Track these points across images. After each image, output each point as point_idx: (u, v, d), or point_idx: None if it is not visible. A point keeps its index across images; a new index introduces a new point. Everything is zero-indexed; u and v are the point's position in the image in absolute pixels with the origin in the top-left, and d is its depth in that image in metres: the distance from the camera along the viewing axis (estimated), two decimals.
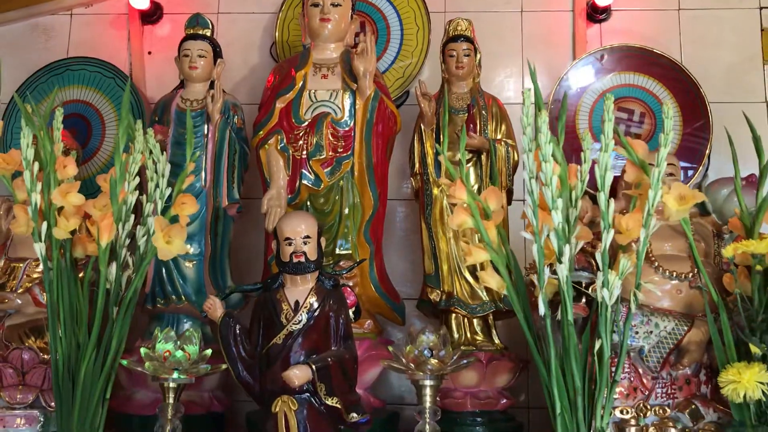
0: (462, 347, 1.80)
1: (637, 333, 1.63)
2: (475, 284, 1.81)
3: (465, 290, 1.82)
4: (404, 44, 2.23)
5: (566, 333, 1.46)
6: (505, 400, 1.78)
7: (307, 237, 1.51)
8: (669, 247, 1.76)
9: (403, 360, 1.58)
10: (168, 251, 1.51)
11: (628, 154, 1.52)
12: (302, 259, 1.49)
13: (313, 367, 1.44)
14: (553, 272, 1.51)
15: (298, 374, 1.43)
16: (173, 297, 1.83)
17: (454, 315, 1.84)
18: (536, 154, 1.45)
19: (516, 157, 1.92)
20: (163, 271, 1.84)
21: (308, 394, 1.46)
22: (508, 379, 1.79)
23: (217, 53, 1.99)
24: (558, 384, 1.45)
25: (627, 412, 1.65)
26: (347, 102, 1.83)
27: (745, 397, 1.41)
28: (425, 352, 1.58)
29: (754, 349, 1.44)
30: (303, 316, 1.48)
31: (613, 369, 1.70)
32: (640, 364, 1.66)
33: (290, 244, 1.50)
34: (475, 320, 1.83)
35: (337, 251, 1.78)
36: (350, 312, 1.57)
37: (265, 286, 1.55)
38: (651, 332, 1.63)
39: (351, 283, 1.77)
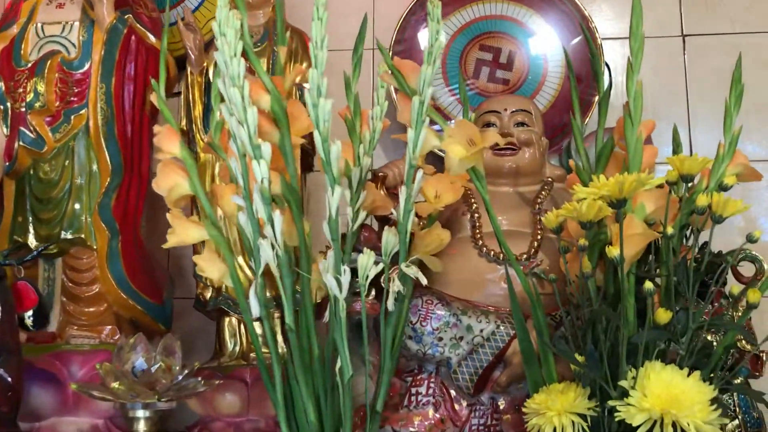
0: (232, 362, 1.34)
1: (440, 339, 1.16)
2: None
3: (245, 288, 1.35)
4: None
5: (299, 345, 1.00)
6: None
7: None
8: (506, 220, 1.28)
9: (106, 383, 1.13)
10: None
11: (395, 80, 1.05)
12: None
13: None
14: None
15: None
16: None
17: (228, 318, 1.38)
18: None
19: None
20: None
21: None
22: None
23: None
24: (290, 417, 0.99)
25: None
26: (84, 36, 1.38)
27: None
28: (135, 371, 1.13)
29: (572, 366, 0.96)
30: None
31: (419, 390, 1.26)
32: (451, 383, 1.19)
33: None
34: (255, 324, 1.37)
35: (64, 235, 1.33)
36: (28, 315, 1.13)
37: None
38: (461, 338, 1.15)
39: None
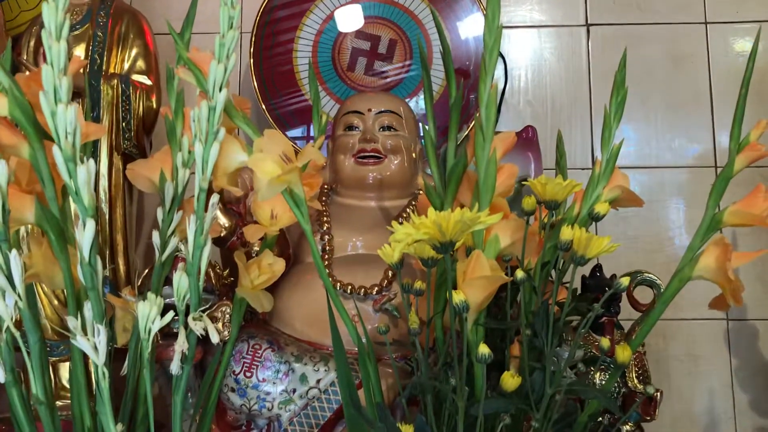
0: None
1: (268, 394, 0.96)
2: (61, 308, 1.12)
3: (49, 317, 1.13)
4: None
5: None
6: None
7: None
8: (361, 242, 1.09)
9: None
10: None
11: (194, 78, 0.84)
12: None
13: None
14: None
15: None
16: None
17: None
18: None
19: (154, 105, 1.24)
20: None
21: None
22: None
23: None
24: None
25: None
26: None
27: None
28: None
29: None
30: None
31: None
32: None
33: None
34: (62, 367, 1.14)
35: None
36: None
37: None
38: (293, 390, 0.95)
39: None
